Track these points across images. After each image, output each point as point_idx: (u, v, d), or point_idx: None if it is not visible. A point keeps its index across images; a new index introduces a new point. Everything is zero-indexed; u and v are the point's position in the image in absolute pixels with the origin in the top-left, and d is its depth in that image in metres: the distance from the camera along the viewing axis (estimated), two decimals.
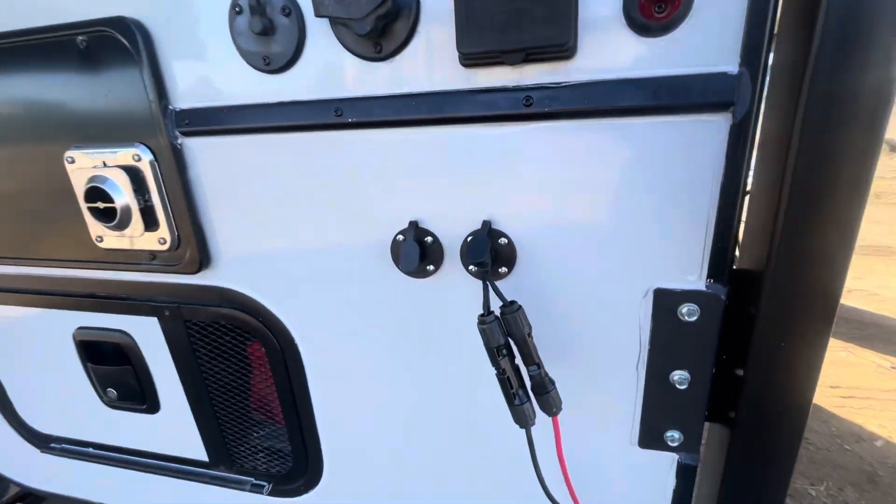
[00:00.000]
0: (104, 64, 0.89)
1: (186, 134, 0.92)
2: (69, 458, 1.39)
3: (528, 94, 0.73)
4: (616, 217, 0.78)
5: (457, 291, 0.90)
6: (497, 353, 0.71)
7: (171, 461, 1.32)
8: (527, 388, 0.74)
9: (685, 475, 0.93)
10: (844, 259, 0.69)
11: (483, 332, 0.71)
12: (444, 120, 0.78)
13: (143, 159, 0.94)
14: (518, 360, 0.75)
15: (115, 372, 1.23)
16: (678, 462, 0.93)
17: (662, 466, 0.95)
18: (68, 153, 0.98)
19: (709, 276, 0.78)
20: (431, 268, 0.88)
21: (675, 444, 0.89)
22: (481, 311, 0.77)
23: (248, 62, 0.83)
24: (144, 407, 1.27)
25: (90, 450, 1.38)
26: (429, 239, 0.87)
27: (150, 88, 0.88)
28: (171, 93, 0.90)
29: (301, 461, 1.21)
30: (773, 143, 0.69)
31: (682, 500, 0.95)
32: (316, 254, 0.97)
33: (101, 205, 0.96)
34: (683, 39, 0.66)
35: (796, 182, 0.66)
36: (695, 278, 0.79)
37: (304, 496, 1.25)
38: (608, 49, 0.69)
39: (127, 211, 0.97)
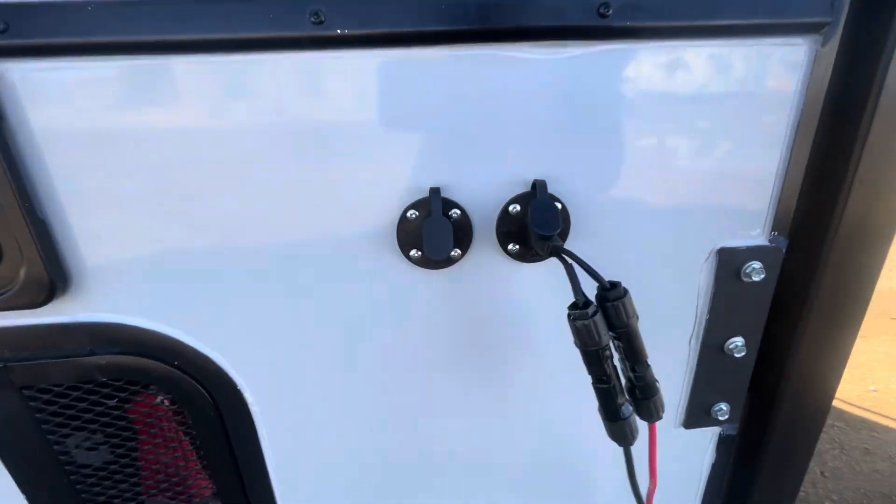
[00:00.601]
0: None
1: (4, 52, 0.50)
2: None
3: (605, 1, 0.53)
4: (684, 167, 0.65)
5: (493, 282, 0.68)
6: (600, 356, 0.52)
7: None
8: (625, 393, 0.57)
9: (725, 447, 0.87)
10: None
11: (583, 330, 0.51)
12: (482, 35, 0.54)
13: None
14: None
15: None
16: (720, 435, 0.86)
17: (702, 443, 0.88)
18: None
19: (773, 229, 0.70)
20: (457, 252, 0.64)
21: (724, 418, 0.81)
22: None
23: None
24: None
25: None
26: (455, 213, 0.62)
27: None
28: None
29: None
30: (851, 80, 0.62)
31: (719, 474, 0.90)
32: (270, 250, 0.64)
33: None
34: None
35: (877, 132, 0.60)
36: (758, 232, 0.70)
37: None
38: None
39: None
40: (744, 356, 0.76)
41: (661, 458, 0.88)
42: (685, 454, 0.89)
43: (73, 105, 0.53)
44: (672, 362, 0.78)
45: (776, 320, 0.76)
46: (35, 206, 0.56)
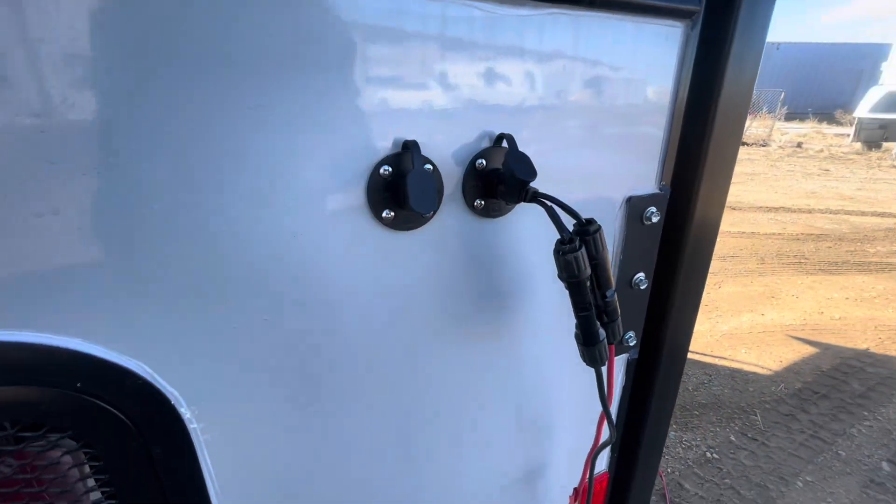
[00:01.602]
0: None
1: None
2: None
3: None
4: (602, 130, 0.76)
5: (464, 239, 0.68)
6: (584, 285, 0.57)
7: None
8: None
9: (630, 370, 1.04)
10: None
11: (572, 262, 0.55)
12: None
13: None
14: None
15: None
16: (627, 360, 1.03)
17: (616, 369, 1.03)
18: None
19: (662, 181, 0.87)
20: (433, 210, 0.63)
21: (633, 344, 0.97)
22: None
23: None
24: None
25: None
26: (428, 167, 0.61)
27: None
28: None
29: None
30: (708, 60, 0.81)
31: (627, 395, 1.07)
32: (213, 214, 0.52)
33: None
34: None
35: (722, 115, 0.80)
36: (652, 184, 0.86)
37: None
38: None
39: None
40: (645, 288, 0.93)
41: (592, 387, 1.01)
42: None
43: None
44: None
45: (662, 256, 0.94)
46: None
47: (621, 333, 0.67)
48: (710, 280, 5.96)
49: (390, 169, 0.58)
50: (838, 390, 4.14)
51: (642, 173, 0.83)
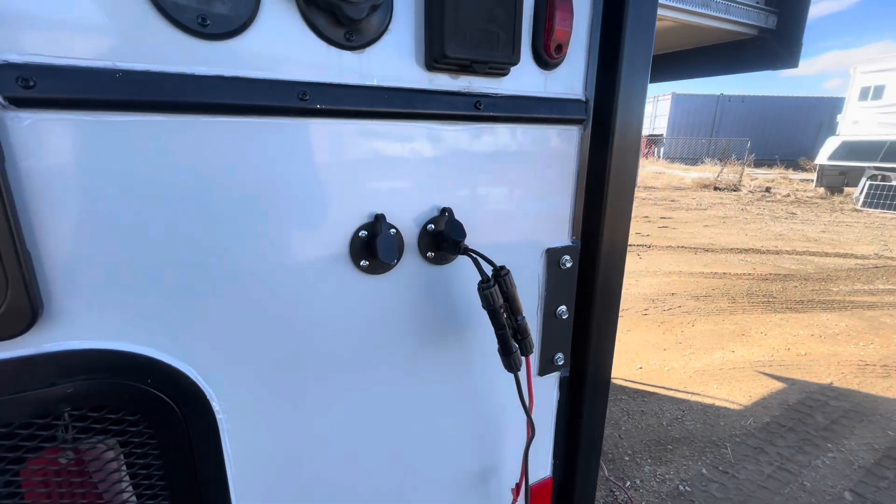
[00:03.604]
0: None
1: (22, 103, 0.57)
2: None
3: (478, 99, 0.90)
4: (526, 200, 1.05)
5: (419, 281, 0.94)
6: (499, 312, 0.83)
7: None
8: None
9: (563, 386, 1.28)
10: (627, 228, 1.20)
11: (489, 296, 0.82)
12: (411, 115, 0.84)
13: None
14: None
15: None
16: (560, 378, 1.27)
17: (550, 385, 1.27)
18: None
19: (573, 235, 1.15)
20: (396, 261, 0.90)
21: (561, 363, 1.22)
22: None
23: (172, 17, 0.62)
24: None
25: None
26: (392, 231, 0.88)
27: None
28: None
29: None
30: (596, 150, 1.12)
31: (561, 408, 1.30)
32: (246, 267, 0.78)
33: None
34: (562, 73, 1.00)
35: (612, 181, 1.11)
36: (566, 238, 1.15)
37: None
38: (522, 74, 0.95)
39: None
40: (567, 318, 1.19)
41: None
42: (543, 395, 1.27)
43: (89, 149, 0.62)
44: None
45: (580, 293, 1.21)
46: (18, 240, 0.61)
47: (532, 348, 0.92)
48: (685, 319, 6.25)
49: (366, 232, 0.85)
50: (804, 423, 4.35)
51: (557, 230, 1.12)
